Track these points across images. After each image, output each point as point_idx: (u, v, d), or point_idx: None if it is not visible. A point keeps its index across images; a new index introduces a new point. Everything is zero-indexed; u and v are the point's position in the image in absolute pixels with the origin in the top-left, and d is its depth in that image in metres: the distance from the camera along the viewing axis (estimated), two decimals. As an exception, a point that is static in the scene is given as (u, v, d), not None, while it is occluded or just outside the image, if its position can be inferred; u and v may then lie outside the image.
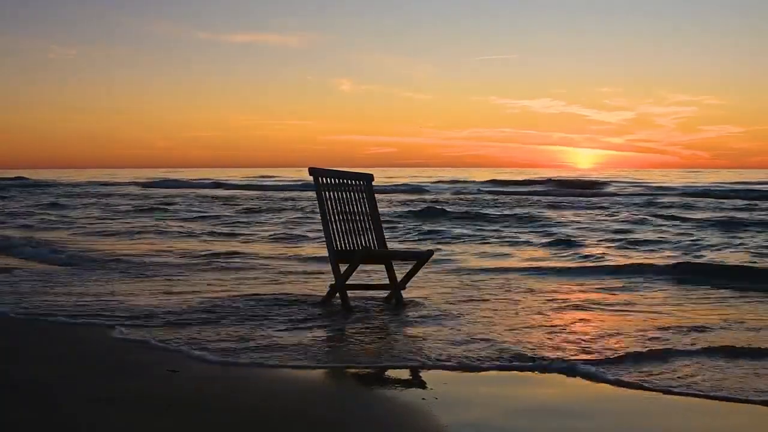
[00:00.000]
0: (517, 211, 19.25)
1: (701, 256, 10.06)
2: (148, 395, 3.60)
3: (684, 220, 15.94)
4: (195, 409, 3.43)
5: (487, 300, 6.70)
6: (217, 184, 40.27)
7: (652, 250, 10.78)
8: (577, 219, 16.64)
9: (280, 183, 39.77)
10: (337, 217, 6.54)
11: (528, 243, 12.02)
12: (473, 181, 38.50)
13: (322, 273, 8.01)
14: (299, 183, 35.75)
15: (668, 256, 9.90)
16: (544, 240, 12.24)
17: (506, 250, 11.17)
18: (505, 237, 12.78)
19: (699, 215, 17.07)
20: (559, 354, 4.59)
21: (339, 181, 6.68)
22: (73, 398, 3.52)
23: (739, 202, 21.99)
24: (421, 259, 6.63)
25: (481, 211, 18.75)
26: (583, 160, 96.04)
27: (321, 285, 7.17)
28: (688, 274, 8.26)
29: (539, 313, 6.10)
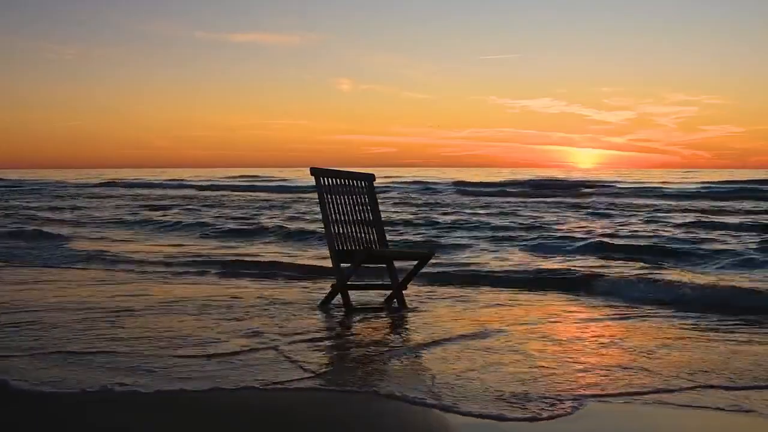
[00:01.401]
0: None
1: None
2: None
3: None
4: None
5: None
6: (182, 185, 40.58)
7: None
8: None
9: (254, 184, 39.36)
10: (338, 218, 6.51)
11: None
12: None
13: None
14: (277, 184, 36.54)
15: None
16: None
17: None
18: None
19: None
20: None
21: (340, 181, 6.65)
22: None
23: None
24: (422, 259, 6.62)
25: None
26: (583, 160, 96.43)
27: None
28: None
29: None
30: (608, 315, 6.20)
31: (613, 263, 9.12)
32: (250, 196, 30.66)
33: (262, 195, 31.03)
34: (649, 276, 7.76)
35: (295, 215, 18.47)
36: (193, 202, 25.68)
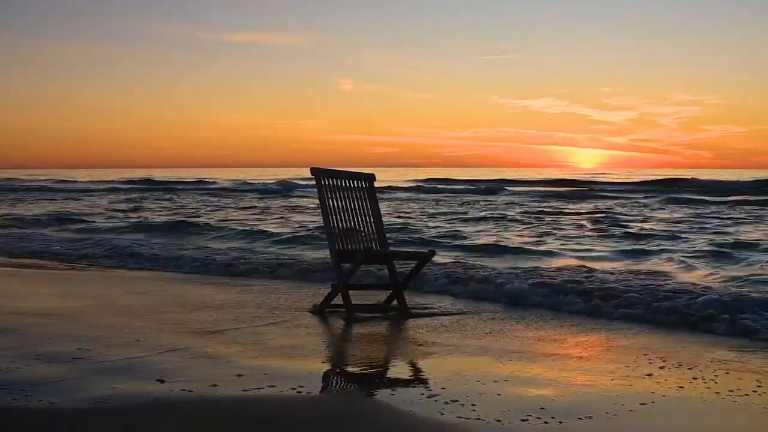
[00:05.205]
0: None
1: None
2: None
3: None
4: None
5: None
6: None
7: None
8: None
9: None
10: (338, 218, 6.51)
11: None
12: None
13: None
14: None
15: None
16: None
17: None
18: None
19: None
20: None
21: (341, 181, 6.65)
22: None
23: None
24: (423, 259, 6.62)
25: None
26: (585, 160, 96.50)
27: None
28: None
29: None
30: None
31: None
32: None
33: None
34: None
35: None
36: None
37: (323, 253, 10.44)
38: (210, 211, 21.53)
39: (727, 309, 5.90)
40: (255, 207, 23.78)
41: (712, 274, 8.58)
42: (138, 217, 18.42)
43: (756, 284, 7.52)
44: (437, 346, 4.94)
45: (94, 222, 17.01)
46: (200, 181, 46.10)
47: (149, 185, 42.62)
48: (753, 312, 5.84)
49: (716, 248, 11.12)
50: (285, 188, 38.12)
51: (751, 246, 11.37)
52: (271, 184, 41.40)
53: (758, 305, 6.03)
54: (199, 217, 18.89)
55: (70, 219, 17.59)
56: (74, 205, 24.47)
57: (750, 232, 14.01)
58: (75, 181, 46.98)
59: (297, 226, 16.06)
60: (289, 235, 13.76)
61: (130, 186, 42.08)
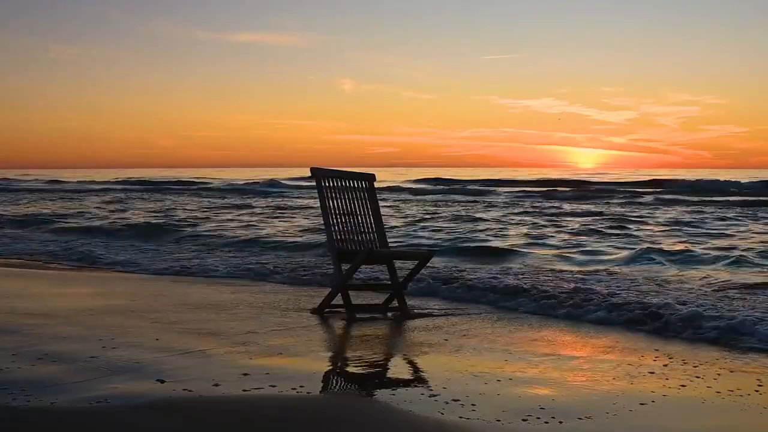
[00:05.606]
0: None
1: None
2: None
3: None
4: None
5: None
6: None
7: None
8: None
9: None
10: (338, 218, 6.51)
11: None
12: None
13: None
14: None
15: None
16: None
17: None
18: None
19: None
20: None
21: (341, 181, 6.65)
22: None
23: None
24: (423, 259, 6.62)
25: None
26: (585, 160, 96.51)
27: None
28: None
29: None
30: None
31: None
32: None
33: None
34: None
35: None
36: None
37: (318, 253, 10.48)
38: (203, 212, 21.47)
39: (726, 309, 5.90)
40: (249, 207, 23.76)
41: (707, 275, 8.58)
42: (127, 218, 18.40)
43: (752, 284, 7.52)
44: (437, 346, 4.94)
45: (85, 223, 16.97)
46: (196, 182, 46.26)
47: (144, 186, 42.73)
48: (752, 312, 5.84)
49: (711, 249, 11.12)
50: (276, 188, 38.07)
51: (746, 247, 11.37)
52: (262, 183, 41.59)
53: (757, 306, 6.03)
54: (191, 218, 18.76)
55: (61, 220, 17.52)
56: (68, 205, 24.46)
57: (746, 233, 14.01)
58: (68, 182, 47.14)
59: (292, 226, 16.07)
60: (286, 236, 13.76)
61: (122, 187, 42.23)
